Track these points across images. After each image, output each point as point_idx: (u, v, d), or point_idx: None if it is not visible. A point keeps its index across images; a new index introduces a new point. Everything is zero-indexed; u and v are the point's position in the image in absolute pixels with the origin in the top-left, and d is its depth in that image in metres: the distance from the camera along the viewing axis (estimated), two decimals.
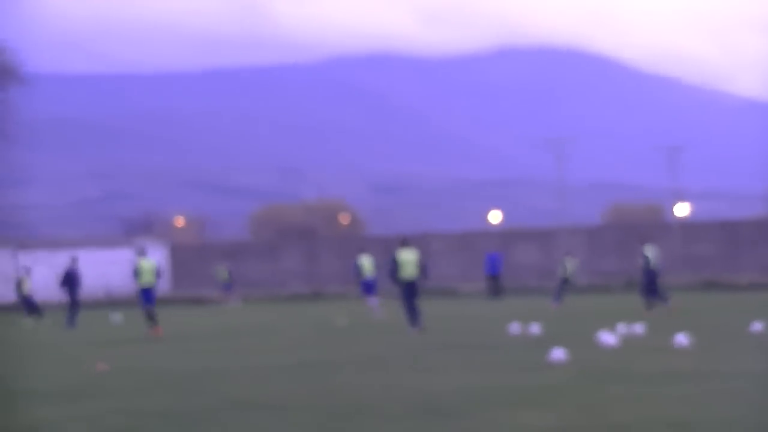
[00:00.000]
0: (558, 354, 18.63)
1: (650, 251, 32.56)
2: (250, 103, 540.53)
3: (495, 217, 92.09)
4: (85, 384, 18.13)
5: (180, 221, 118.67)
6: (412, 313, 27.26)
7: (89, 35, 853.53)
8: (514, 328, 25.72)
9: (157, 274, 30.41)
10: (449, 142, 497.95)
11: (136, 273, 30.01)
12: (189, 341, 27.77)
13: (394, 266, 27.18)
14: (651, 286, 32.23)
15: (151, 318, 29.81)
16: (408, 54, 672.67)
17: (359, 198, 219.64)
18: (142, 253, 30.93)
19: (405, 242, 27.88)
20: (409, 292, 27.32)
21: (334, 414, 13.48)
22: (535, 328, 25.23)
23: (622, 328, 24.05)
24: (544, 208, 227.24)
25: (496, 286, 50.45)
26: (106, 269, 59.09)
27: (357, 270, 36.66)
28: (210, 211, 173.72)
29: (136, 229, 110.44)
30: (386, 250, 43.19)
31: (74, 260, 36.98)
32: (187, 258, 71.42)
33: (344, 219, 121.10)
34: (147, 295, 29.93)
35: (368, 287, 36.21)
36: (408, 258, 27.33)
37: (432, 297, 43.65)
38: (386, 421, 12.83)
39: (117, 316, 41.13)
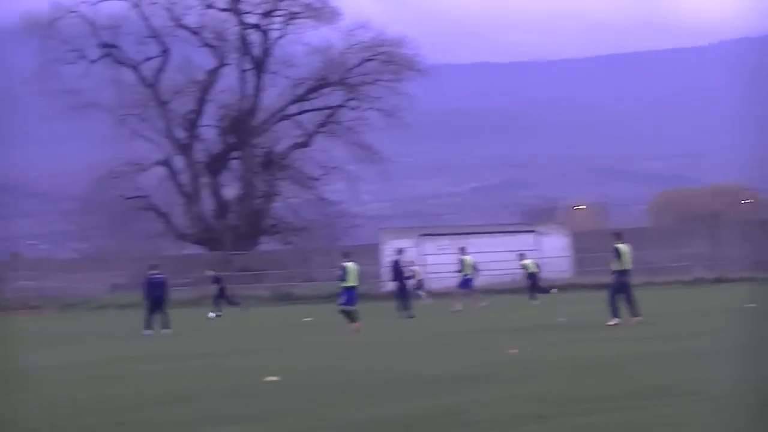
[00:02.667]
0: None
1: None
2: (647, 87, 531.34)
3: None
4: (496, 369, 18.24)
5: (580, 208, 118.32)
6: None
7: (484, 25, 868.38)
8: None
9: (474, 268, 33.81)
10: None
11: (344, 275, 30.95)
12: (591, 329, 27.37)
13: None
14: None
15: (348, 316, 30.72)
16: None
17: (763, 181, 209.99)
18: (347, 256, 31.96)
19: None
20: None
21: None
22: None
23: None
24: None
25: None
26: (508, 256, 59.76)
27: None
28: (610, 197, 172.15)
29: (536, 216, 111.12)
30: None
31: (401, 251, 38.70)
32: (588, 244, 71.00)
33: (748, 203, 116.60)
34: (349, 294, 30.81)
35: None
36: None
37: None
38: None
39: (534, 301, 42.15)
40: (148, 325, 34.84)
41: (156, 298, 35.68)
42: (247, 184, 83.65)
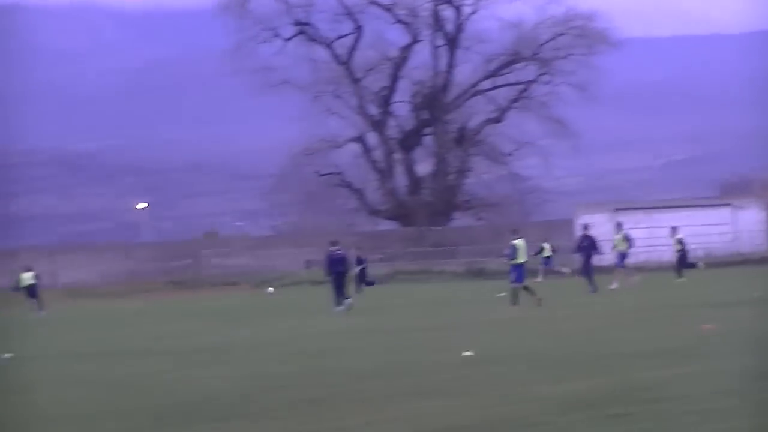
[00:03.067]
0: None
1: None
2: None
3: None
4: (690, 344, 17.72)
5: None
6: None
7: None
8: None
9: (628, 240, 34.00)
10: None
11: (514, 252, 30.87)
12: None
13: None
14: None
15: (515, 296, 30.43)
16: None
17: None
18: (515, 233, 32.05)
19: None
20: None
21: None
22: None
23: None
24: None
25: None
26: (703, 230, 58.09)
27: None
28: None
29: (731, 190, 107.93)
30: None
31: (586, 227, 39.44)
32: None
33: None
34: (518, 272, 30.71)
35: None
36: None
37: None
38: None
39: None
40: (338, 302, 34.90)
41: (338, 273, 35.73)
42: (440, 160, 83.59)
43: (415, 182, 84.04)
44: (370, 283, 49.79)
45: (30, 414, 13.31)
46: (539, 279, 49.18)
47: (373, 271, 65.29)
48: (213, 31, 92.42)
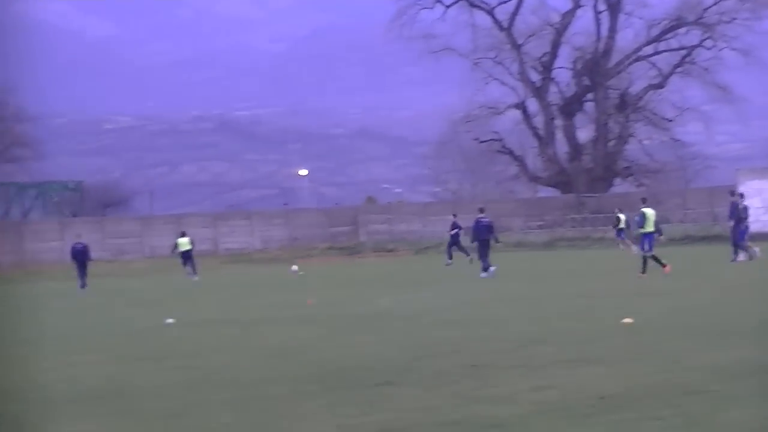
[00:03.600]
0: None
1: None
2: None
3: None
4: None
5: None
6: None
7: None
8: None
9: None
10: None
11: (644, 221, 31.01)
12: None
13: None
14: None
15: (645, 263, 30.38)
16: None
17: None
18: (644, 202, 32.29)
19: None
20: None
21: None
22: None
23: None
24: None
25: None
26: None
27: None
28: None
29: None
30: None
31: (733, 193, 37.86)
32: None
33: None
34: (648, 240, 30.87)
35: None
36: None
37: None
38: None
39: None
40: (485, 268, 35.07)
41: (483, 240, 36.08)
42: (600, 126, 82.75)
43: (576, 149, 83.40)
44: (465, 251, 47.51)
45: (199, 378, 13.84)
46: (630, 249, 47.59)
47: (533, 237, 65.38)
48: None
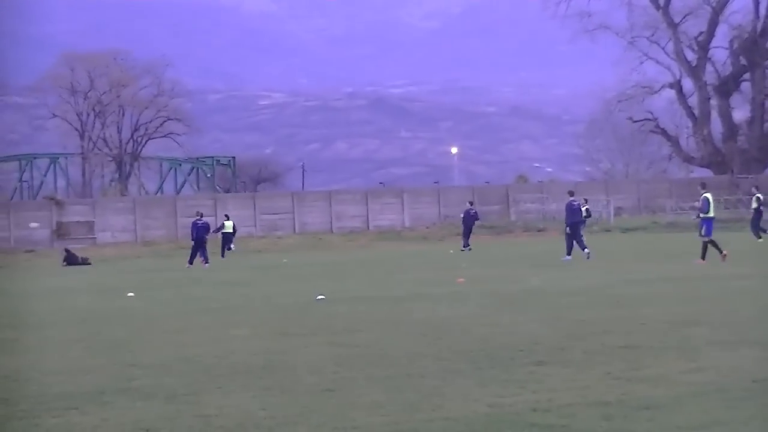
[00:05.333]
0: None
1: None
2: None
3: None
4: None
5: None
6: None
7: None
8: None
9: None
10: None
11: (707, 205, 31.00)
12: None
13: None
14: None
15: (705, 249, 30.30)
16: None
17: None
18: (704, 187, 32.20)
19: None
20: None
21: None
22: None
23: None
24: None
25: None
26: None
27: None
28: None
29: None
30: None
31: None
32: None
33: None
34: (709, 225, 30.75)
35: None
36: None
37: None
38: None
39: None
40: (568, 252, 35.30)
41: (573, 223, 36.20)
42: (757, 107, 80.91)
43: (731, 129, 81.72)
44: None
45: (350, 354, 14.05)
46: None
47: (685, 218, 64.16)
48: None
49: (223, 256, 50.80)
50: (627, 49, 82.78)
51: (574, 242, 35.69)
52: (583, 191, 72.28)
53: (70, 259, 52.56)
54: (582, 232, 37.00)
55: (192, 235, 44.45)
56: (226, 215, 55.74)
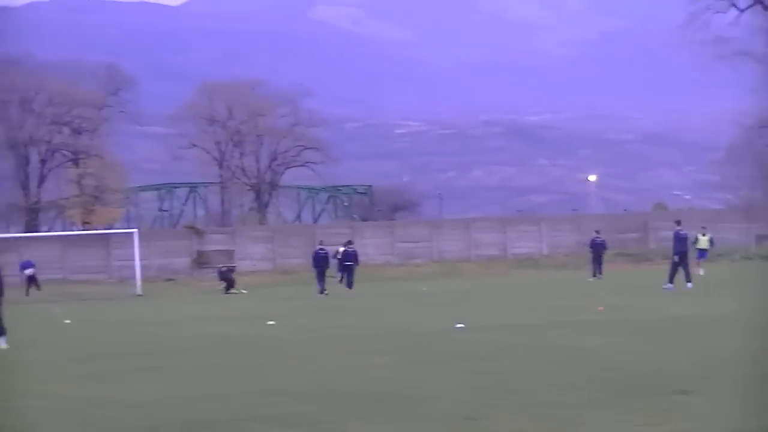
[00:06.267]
0: None
1: None
2: None
3: None
4: None
5: None
6: None
7: None
8: None
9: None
10: None
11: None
12: None
13: None
14: None
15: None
16: None
17: None
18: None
19: None
20: None
21: None
22: None
23: None
24: None
25: None
26: None
27: None
28: None
29: None
30: None
31: None
32: None
33: None
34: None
35: None
36: None
37: None
38: None
39: None
40: (670, 280, 35.29)
41: (680, 252, 36.05)
42: None
43: None
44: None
45: (490, 382, 14.08)
46: (701, 272, 44.48)
47: None
48: (663, 2, 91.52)
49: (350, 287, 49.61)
50: (766, 75, 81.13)
51: (680, 270, 35.62)
52: (722, 219, 71.10)
53: (225, 277, 53.37)
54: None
55: (313, 263, 45.79)
56: (348, 241, 53.85)
